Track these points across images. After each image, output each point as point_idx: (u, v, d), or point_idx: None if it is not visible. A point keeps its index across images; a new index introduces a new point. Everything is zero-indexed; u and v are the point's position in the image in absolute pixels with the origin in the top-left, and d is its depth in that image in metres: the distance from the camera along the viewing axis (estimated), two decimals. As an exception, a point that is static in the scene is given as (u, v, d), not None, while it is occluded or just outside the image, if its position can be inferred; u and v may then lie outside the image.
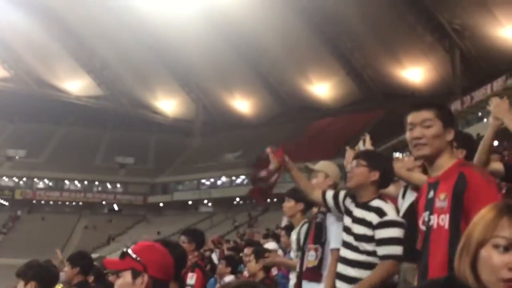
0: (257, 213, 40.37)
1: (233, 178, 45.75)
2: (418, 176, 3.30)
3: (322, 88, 45.99)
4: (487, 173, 1.90)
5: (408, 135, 2.05)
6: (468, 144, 3.12)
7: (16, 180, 46.73)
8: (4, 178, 46.51)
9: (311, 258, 3.21)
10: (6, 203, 45.68)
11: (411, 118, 2.05)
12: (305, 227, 3.66)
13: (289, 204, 3.91)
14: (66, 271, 3.91)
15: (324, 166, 3.46)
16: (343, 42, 41.59)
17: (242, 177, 45.33)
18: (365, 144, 3.86)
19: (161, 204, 47.82)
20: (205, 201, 47.00)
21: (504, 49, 34.55)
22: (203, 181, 46.82)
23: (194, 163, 47.16)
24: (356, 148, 3.82)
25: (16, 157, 48.24)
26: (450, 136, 2.02)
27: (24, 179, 46.78)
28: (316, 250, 3.19)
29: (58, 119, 52.49)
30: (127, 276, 1.87)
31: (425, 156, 2.03)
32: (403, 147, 27.01)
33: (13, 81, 52.26)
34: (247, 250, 4.83)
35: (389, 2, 36.46)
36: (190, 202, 47.05)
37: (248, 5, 40.29)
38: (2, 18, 43.59)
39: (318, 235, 3.24)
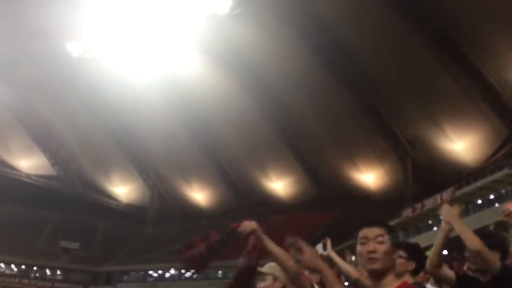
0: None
1: (183, 271, 43.96)
2: None
3: (280, 185, 46.48)
4: None
5: (360, 248, 2.17)
6: (418, 256, 3.20)
7: None
8: None
9: None
10: None
11: (364, 233, 2.18)
12: None
13: None
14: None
15: (272, 268, 3.32)
16: (302, 142, 42.90)
17: (192, 270, 43.64)
18: (326, 248, 3.84)
19: (102, 295, 44.98)
20: (150, 295, 44.55)
21: (453, 161, 36.44)
22: (150, 272, 44.74)
23: (143, 252, 45.31)
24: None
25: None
26: (395, 256, 2.16)
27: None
28: None
29: (4, 197, 50.10)
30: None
31: (376, 271, 2.11)
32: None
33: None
34: None
35: (347, 109, 38.44)
36: (134, 295, 44.51)
37: (212, 99, 41.53)
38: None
39: None
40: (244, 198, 47.81)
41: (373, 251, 2.11)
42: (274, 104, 41.00)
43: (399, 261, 2.95)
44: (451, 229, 3.09)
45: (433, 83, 33.66)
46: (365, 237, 2.16)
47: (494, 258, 3.01)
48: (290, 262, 2.78)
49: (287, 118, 41.39)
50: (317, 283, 3.19)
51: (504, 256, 3.29)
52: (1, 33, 38.00)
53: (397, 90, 36.28)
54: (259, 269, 3.21)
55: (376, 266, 2.10)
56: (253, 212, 45.74)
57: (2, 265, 44.40)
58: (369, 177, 42.17)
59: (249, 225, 2.77)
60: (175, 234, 46.49)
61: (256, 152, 43.94)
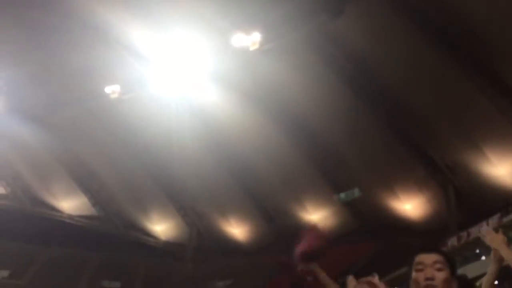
0: None
1: (223, 308, 43.44)
2: None
3: (318, 217, 45.78)
4: None
5: (416, 275, 2.04)
6: None
7: (-6, 302, 44.25)
8: (-19, 299, 44.11)
9: None
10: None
11: (420, 258, 2.07)
12: None
13: None
14: None
15: None
16: (339, 174, 42.40)
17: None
18: None
19: (144, 335, 44.76)
20: (191, 333, 44.06)
21: (497, 187, 35.13)
22: (191, 310, 44.35)
23: (183, 290, 45.13)
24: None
25: (-1, 278, 46.19)
26: (454, 285, 2.05)
27: (3, 301, 44.30)
28: None
29: (48, 238, 51.28)
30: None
31: None
32: (399, 283, 26.06)
33: (9, 198, 52.18)
34: None
35: (383, 138, 37.94)
36: (175, 334, 44.10)
37: (246, 134, 41.83)
38: (4, 132, 44.59)
39: None
40: (282, 232, 47.22)
41: (432, 278, 1.99)
42: (309, 137, 40.91)
43: None
44: (501, 258, 2.90)
45: (470, 106, 32.96)
46: (421, 263, 2.04)
47: None
48: None
49: (323, 150, 41.13)
50: None
51: None
52: (42, 77, 39.77)
53: (434, 116, 35.64)
54: None
55: None
56: (291, 246, 45.12)
57: (47, 307, 44.95)
58: (410, 206, 41.07)
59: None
60: (214, 270, 46.24)
61: (293, 185, 43.65)
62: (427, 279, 1.99)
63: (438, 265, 2.00)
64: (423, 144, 38.03)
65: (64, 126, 46.05)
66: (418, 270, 2.03)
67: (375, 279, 3.32)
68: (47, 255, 50.60)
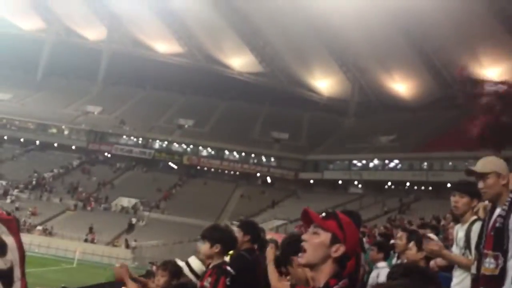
0: (409, 200, 39.06)
1: (386, 161, 44.66)
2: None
3: (495, 73, 42.02)
4: None
5: None
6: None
7: (185, 147, 51.61)
8: (175, 144, 51.73)
9: (490, 265, 2.85)
10: (175, 167, 50.94)
11: None
12: (477, 225, 3.37)
13: (463, 200, 3.58)
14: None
15: (493, 164, 2.99)
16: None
17: (396, 161, 44.04)
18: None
19: (311, 181, 48.80)
20: (356, 182, 46.76)
21: None
22: (354, 162, 46.51)
23: (346, 143, 47.02)
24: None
25: (186, 126, 53.34)
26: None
27: (191, 146, 51.40)
28: (496, 258, 2.84)
29: (222, 93, 56.49)
30: (325, 237, 1.86)
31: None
32: None
33: (186, 56, 57.58)
34: (401, 234, 4.85)
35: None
36: (340, 182, 47.22)
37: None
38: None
39: (499, 241, 2.84)
40: (451, 88, 44.76)
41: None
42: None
43: None
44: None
45: None
46: None
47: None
48: None
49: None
50: None
51: None
52: None
53: None
54: (473, 168, 3.02)
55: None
56: (461, 103, 42.85)
57: (227, 152, 51.20)
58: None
59: None
60: (377, 125, 46.83)
61: (466, 36, 39.94)
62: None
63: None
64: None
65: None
66: None
67: None
68: (223, 108, 56.27)
